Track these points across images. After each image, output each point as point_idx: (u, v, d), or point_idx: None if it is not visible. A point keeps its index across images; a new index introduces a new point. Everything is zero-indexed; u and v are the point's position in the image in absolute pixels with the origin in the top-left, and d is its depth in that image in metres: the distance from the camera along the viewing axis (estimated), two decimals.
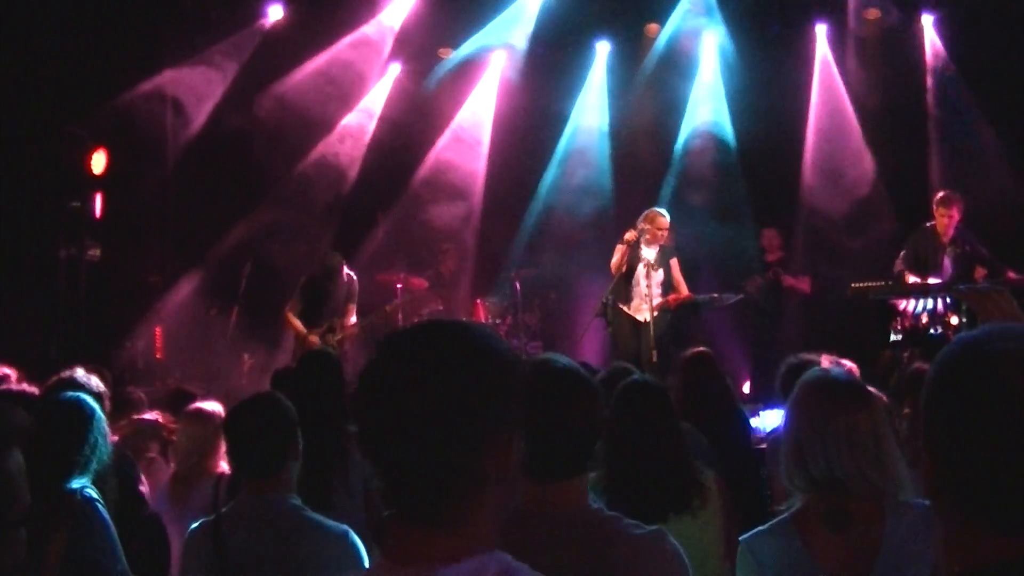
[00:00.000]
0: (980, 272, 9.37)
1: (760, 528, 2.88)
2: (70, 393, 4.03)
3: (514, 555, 2.37)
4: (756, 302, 11.68)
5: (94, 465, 3.71)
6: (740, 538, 2.88)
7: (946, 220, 9.56)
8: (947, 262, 9.50)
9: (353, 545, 3.31)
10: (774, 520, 2.87)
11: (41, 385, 4.65)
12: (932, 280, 9.36)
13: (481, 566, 1.57)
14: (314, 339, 10.19)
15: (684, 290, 10.05)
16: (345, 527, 3.37)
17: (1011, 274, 9.10)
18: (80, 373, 4.67)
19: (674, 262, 10.07)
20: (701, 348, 6.43)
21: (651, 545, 2.42)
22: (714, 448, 5.01)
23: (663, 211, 10.12)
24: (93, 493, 3.62)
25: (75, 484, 3.57)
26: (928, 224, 9.72)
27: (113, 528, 3.62)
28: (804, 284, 11.59)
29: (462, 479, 1.58)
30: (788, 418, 2.90)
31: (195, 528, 3.47)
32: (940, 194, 9.77)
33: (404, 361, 1.60)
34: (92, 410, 3.82)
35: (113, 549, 3.61)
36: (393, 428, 1.56)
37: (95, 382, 4.59)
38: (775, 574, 2.75)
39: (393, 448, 1.57)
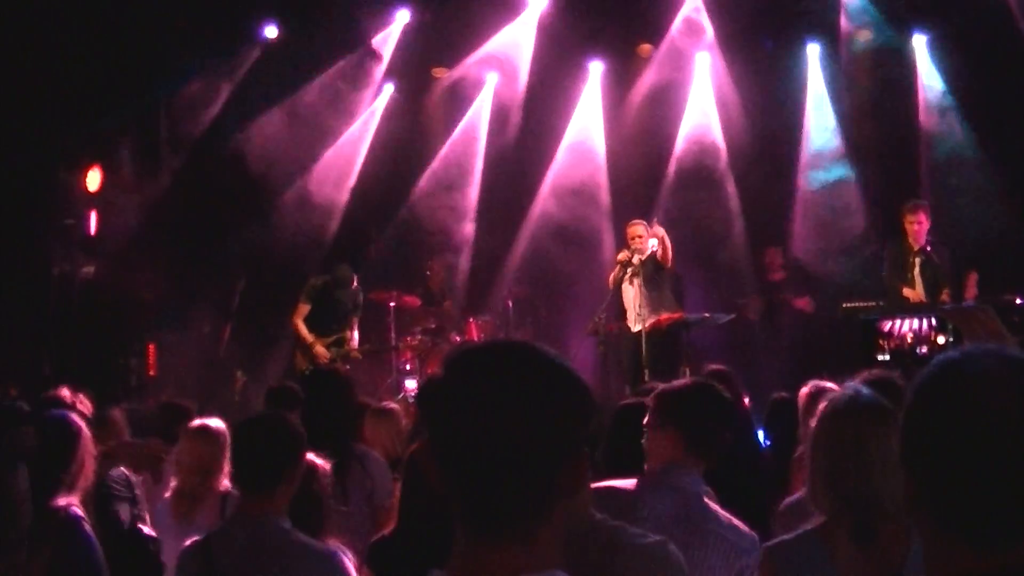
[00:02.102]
0: (972, 290, 9.42)
1: (785, 537, 2.89)
2: (58, 411, 4.04)
3: None
4: (751, 323, 11.70)
5: (81, 483, 3.72)
6: (764, 545, 2.91)
7: (915, 227, 9.66)
8: (915, 272, 9.61)
9: (341, 566, 3.32)
10: (797, 532, 2.87)
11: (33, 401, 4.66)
12: (909, 292, 9.47)
13: None
14: (321, 350, 10.23)
15: (666, 255, 10.02)
16: (333, 548, 3.39)
17: (969, 293, 9.21)
18: (66, 393, 4.68)
19: (660, 254, 10.07)
20: (720, 367, 6.29)
21: (655, 554, 2.48)
22: (725, 469, 4.97)
23: (636, 220, 10.26)
24: (79, 511, 3.62)
25: (61, 501, 3.57)
26: (901, 233, 9.83)
27: (98, 546, 3.62)
28: (805, 304, 11.59)
29: (540, 495, 1.59)
30: (817, 439, 2.90)
31: (186, 548, 3.47)
32: (909, 202, 9.88)
33: (490, 377, 1.60)
34: (79, 429, 3.83)
35: (96, 567, 3.62)
36: (479, 443, 1.56)
37: (81, 402, 4.60)
38: None
39: (476, 462, 1.57)
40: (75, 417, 3.94)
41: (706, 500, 3.21)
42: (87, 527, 3.61)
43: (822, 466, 2.83)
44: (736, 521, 3.24)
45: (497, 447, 1.56)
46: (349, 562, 3.34)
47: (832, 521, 2.78)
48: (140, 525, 4.62)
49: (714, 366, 6.34)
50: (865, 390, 3.03)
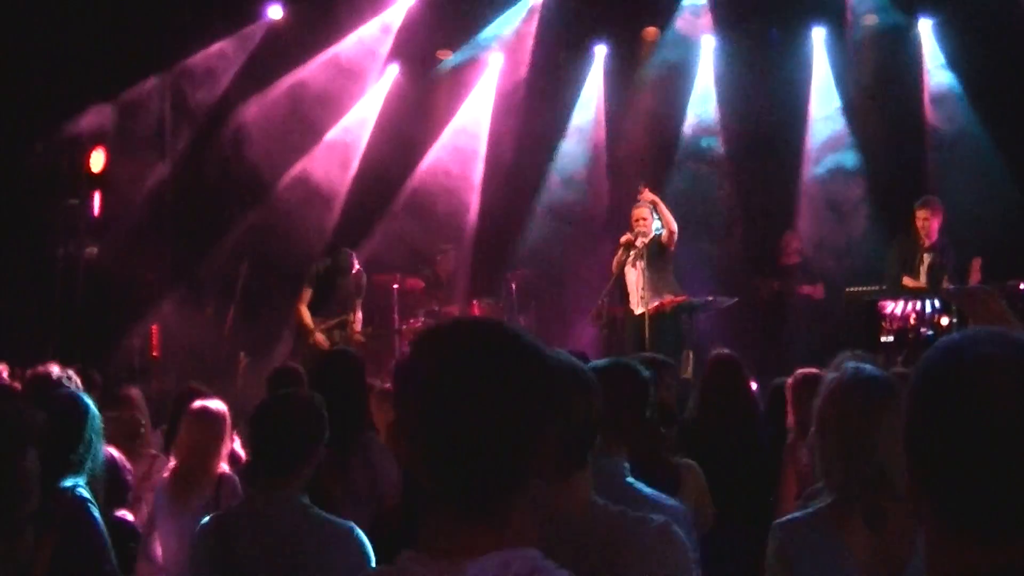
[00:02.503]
0: (976, 275, 9.40)
1: (796, 515, 2.84)
2: (66, 391, 4.01)
3: None
4: (762, 306, 11.65)
5: (88, 464, 3.68)
6: (776, 522, 2.84)
7: (924, 223, 9.62)
8: (923, 268, 9.58)
9: (359, 541, 3.33)
10: (808, 511, 2.84)
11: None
12: (909, 281, 9.45)
13: (508, 559, 1.56)
14: (320, 338, 10.28)
15: (669, 222, 9.99)
16: (351, 524, 3.39)
17: (973, 279, 9.19)
18: (55, 369, 4.67)
19: (663, 234, 10.04)
20: (726, 351, 6.13)
21: (659, 537, 2.45)
22: (731, 456, 4.95)
23: (640, 202, 10.21)
24: (86, 493, 3.59)
25: (68, 483, 3.54)
26: (912, 229, 9.80)
27: (104, 529, 3.60)
28: (817, 291, 11.52)
29: (510, 473, 1.58)
30: (825, 418, 2.84)
31: (204, 524, 3.49)
32: (920, 199, 9.85)
33: (457, 356, 1.59)
34: (87, 407, 3.77)
35: (103, 550, 3.59)
36: (450, 420, 1.55)
37: (74, 380, 4.58)
38: (808, 562, 2.70)
39: (446, 440, 1.56)
40: (84, 396, 3.91)
41: (631, 483, 3.09)
42: (94, 509, 3.59)
43: (832, 444, 2.79)
44: (664, 498, 3.14)
45: (463, 427, 1.54)
46: (366, 539, 3.34)
47: (844, 502, 2.74)
48: (118, 511, 4.59)
49: (721, 351, 6.17)
50: (867, 366, 2.98)
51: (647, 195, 10.05)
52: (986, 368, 1.42)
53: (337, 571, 3.22)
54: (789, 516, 2.87)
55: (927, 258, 9.61)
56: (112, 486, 4.25)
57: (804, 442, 4.55)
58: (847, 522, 2.71)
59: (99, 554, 3.57)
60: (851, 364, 2.95)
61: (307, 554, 3.25)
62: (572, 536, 2.40)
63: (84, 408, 3.76)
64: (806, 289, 11.46)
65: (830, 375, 2.96)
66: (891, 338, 8.52)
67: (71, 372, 4.69)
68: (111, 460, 4.56)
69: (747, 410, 5.77)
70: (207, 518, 3.51)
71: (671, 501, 3.17)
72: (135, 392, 6.09)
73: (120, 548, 4.10)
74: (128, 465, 4.82)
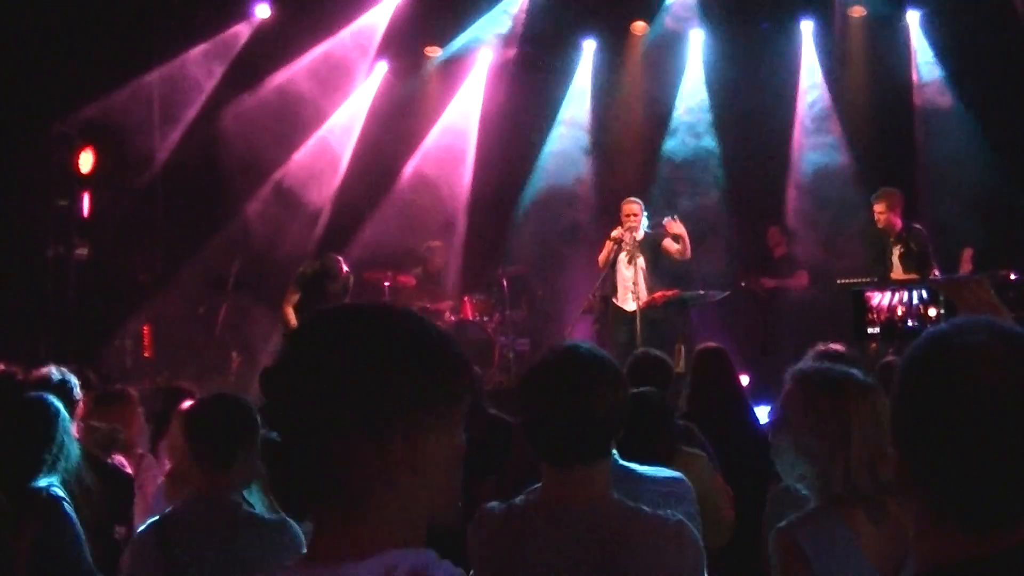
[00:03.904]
0: (967, 265, 9.44)
1: (799, 515, 2.79)
2: (35, 393, 4.05)
3: (535, 540, 2.42)
4: (758, 299, 11.67)
5: (62, 464, 3.76)
6: (779, 526, 2.78)
7: (878, 218, 9.78)
8: (895, 259, 9.64)
9: (291, 533, 3.36)
10: (810, 508, 2.80)
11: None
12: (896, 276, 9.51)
13: (390, 562, 1.45)
14: None
15: (687, 252, 10.04)
16: (283, 518, 3.43)
17: (964, 269, 9.25)
18: (54, 371, 4.67)
19: (667, 242, 10.04)
20: (713, 344, 6.11)
21: (672, 533, 2.48)
22: (722, 449, 4.95)
23: (632, 198, 10.26)
24: (60, 492, 3.66)
25: (42, 483, 3.60)
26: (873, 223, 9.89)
27: (79, 527, 3.65)
28: (802, 280, 11.55)
29: (361, 468, 1.47)
30: (805, 421, 2.79)
31: (141, 531, 3.50)
32: (875, 192, 9.94)
33: (304, 341, 1.54)
34: (57, 410, 3.87)
35: (79, 547, 3.65)
36: (291, 410, 1.49)
37: (71, 378, 4.59)
38: (823, 563, 2.65)
39: (294, 432, 1.49)
40: (52, 398, 3.97)
41: (624, 465, 3.03)
42: (68, 507, 3.64)
43: (815, 449, 2.76)
44: (659, 471, 3.14)
45: (308, 413, 1.47)
46: (300, 531, 3.36)
47: (843, 498, 2.73)
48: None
49: (707, 344, 6.18)
50: (837, 367, 2.98)
51: (678, 227, 10.01)
52: (974, 357, 1.42)
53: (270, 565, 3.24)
54: (793, 517, 2.80)
55: (896, 249, 9.67)
56: (113, 497, 4.27)
57: None
58: (852, 517, 2.70)
59: (75, 551, 3.61)
60: (810, 364, 2.93)
61: (240, 551, 3.27)
62: (587, 526, 2.44)
63: (54, 410, 3.85)
64: (791, 282, 11.51)
65: (790, 371, 2.95)
66: (877, 329, 8.54)
67: (67, 372, 4.68)
68: (114, 470, 4.56)
69: (735, 401, 5.78)
70: (143, 525, 3.52)
71: (667, 473, 3.18)
72: (134, 392, 6.06)
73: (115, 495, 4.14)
74: (128, 470, 4.80)
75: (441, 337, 1.57)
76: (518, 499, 2.57)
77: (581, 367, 2.48)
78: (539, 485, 2.59)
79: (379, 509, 1.49)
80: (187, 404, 4.94)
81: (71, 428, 3.90)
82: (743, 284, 11.60)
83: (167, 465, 5.11)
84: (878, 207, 9.79)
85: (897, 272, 9.63)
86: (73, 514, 3.63)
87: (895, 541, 2.65)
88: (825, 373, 2.88)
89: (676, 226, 10.03)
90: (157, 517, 3.49)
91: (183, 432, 3.71)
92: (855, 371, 2.93)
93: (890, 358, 6.25)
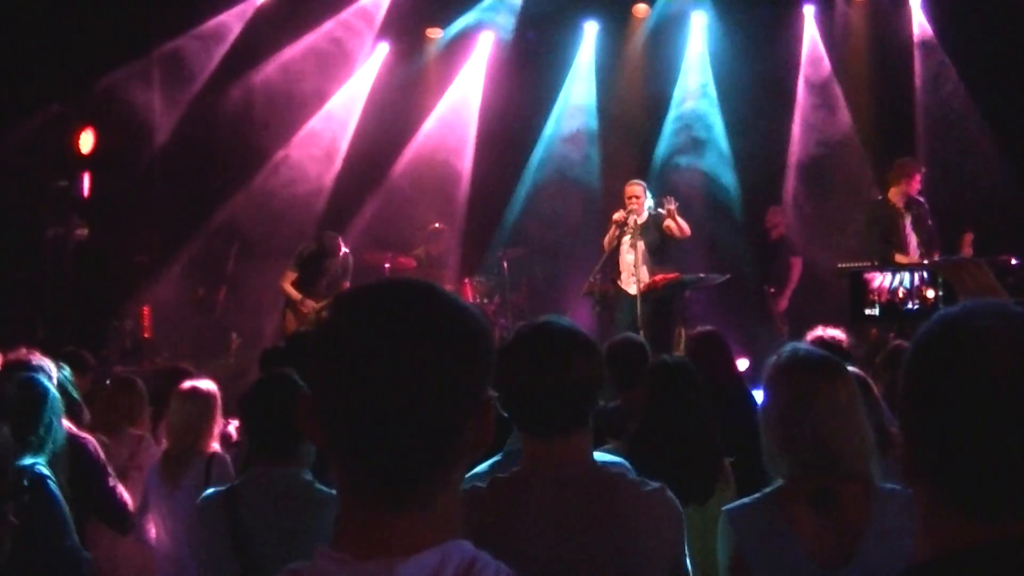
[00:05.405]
0: (967, 250, 9.41)
1: (744, 501, 2.85)
2: (25, 373, 4.07)
3: (520, 511, 2.43)
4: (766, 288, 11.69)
5: (49, 445, 3.77)
6: (723, 508, 2.86)
7: (917, 185, 9.56)
8: (908, 229, 9.53)
9: None
10: (756, 496, 2.83)
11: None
12: (902, 258, 9.44)
13: (444, 557, 1.37)
14: (311, 303, 10.41)
15: (686, 229, 10.03)
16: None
17: (964, 253, 9.18)
18: (37, 356, 4.67)
19: (667, 222, 10.01)
20: (709, 328, 6.06)
21: (654, 499, 2.53)
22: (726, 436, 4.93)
23: (635, 180, 10.25)
24: (45, 470, 3.67)
25: (27, 461, 3.61)
26: (879, 198, 9.78)
27: (64, 505, 3.67)
28: (797, 264, 11.55)
29: (440, 453, 1.40)
30: (769, 400, 2.85)
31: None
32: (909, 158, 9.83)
33: (382, 319, 1.39)
34: (46, 390, 3.89)
35: (64, 525, 3.67)
36: (372, 394, 1.35)
37: (47, 365, 4.59)
38: (754, 548, 2.72)
39: (368, 417, 1.36)
40: (42, 379, 3.99)
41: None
42: (53, 485, 3.66)
43: (776, 427, 2.78)
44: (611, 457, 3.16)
45: (392, 396, 1.35)
46: None
47: (791, 485, 2.74)
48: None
49: (703, 327, 6.16)
50: (804, 346, 3.02)
51: (670, 205, 9.99)
52: (985, 341, 1.39)
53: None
54: (739, 501, 2.87)
55: (908, 216, 9.50)
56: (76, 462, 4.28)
57: None
58: (792, 506, 2.71)
59: (60, 529, 3.63)
60: (788, 346, 2.95)
61: (310, 526, 3.25)
62: (574, 493, 2.47)
63: (44, 391, 3.87)
64: (792, 283, 11.51)
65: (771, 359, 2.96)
66: (876, 310, 8.53)
67: (46, 361, 4.66)
68: (85, 445, 4.54)
69: (731, 386, 5.75)
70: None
71: (610, 458, 3.15)
72: (139, 384, 6.05)
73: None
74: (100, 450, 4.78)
75: (486, 318, 1.51)
76: (502, 474, 2.59)
77: (556, 338, 2.50)
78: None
79: (441, 497, 1.42)
80: (185, 384, 4.94)
81: (60, 410, 3.91)
82: (765, 308, 11.62)
83: (163, 444, 5.12)
84: (903, 175, 9.58)
85: (912, 242, 9.52)
86: (58, 492, 3.65)
87: (842, 532, 2.65)
88: (793, 355, 2.87)
89: (671, 204, 10.01)
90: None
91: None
92: (829, 354, 2.93)
93: (898, 342, 6.23)
